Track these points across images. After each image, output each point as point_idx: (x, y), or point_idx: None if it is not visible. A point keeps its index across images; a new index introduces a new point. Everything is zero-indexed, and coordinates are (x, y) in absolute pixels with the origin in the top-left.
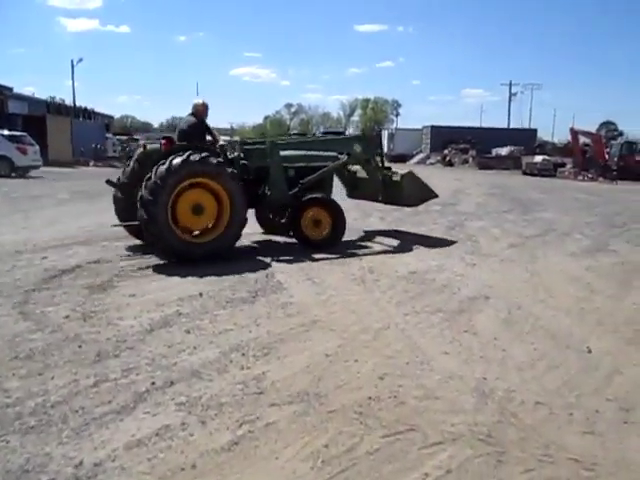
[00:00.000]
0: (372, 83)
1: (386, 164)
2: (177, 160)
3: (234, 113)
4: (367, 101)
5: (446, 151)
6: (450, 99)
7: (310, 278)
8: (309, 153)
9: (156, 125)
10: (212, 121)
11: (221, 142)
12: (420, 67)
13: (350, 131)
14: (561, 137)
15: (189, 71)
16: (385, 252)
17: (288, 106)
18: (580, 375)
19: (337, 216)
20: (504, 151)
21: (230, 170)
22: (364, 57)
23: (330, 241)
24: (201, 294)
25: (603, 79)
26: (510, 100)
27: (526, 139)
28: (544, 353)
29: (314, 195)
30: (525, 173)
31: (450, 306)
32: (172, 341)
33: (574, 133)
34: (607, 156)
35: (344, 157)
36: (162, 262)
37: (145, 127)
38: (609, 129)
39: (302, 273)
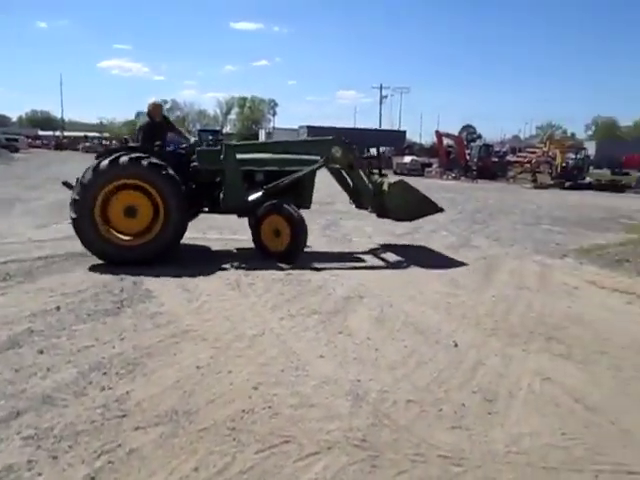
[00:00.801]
0: (248, 81)
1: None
2: (105, 161)
3: (104, 108)
4: (244, 99)
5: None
6: (325, 100)
7: (182, 285)
8: (282, 157)
9: (15, 119)
10: (79, 116)
11: (192, 140)
12: (296, 67)
13: (227, 129)
14: (427, 138)
15: (52, 61)
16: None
17: (162, 102)
18: (448, 369)
19: (296, 227)
20: (373, 151)
21: (165, 172)
22: (240, 55)
23: (288, 255)
24: (59, 307)
25: (464, 83)
26: (381, 102)
27: (396, 140)
28: (414, 350)
29: (271, 202)
30: (396, 173)
31: (325, 307)
32: (21, 364)
33: (439, 135)
34: (468, 157)
35: (321, 162)
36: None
37: (2, 121)
38: (469, 132)
39: (174, 279)
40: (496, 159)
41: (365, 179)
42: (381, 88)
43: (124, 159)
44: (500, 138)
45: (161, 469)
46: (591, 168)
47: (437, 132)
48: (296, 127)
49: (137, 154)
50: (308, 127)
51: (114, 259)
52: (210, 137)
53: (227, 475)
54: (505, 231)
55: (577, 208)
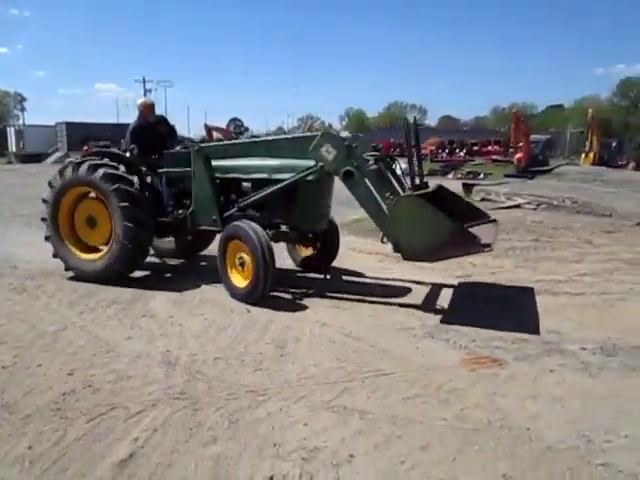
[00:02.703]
0: None
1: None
2: (68, 167)
3: None
4: None
5: (86, 147)
6: (82, 93)
7: None
8: (271, 163)
9: None
10: None
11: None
12: (44, 56)
13: None
14: (197, 132)
15: None
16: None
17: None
18: (244, 330)
19: (258, 258)
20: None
21: (123, 188)
22: None
23: (249, 294)
24: None
25: (228, 78)
26: (145, 96)
27: None
28: (214, 320)
29: (235, 223)
30: None
31: (124, 297)
32: None
33: (208, 129)
34: None
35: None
36: None
37: None
38: (236, 124)
39: None
40: None
41: (375, 193)
42: (144, 82)
43: (85, 165)
44: (265, 130)
45: None
46: None
47: (206, 125)
48: (52, 124)
49: (97, 161)
50: (67, 124)
51: (81, 274)
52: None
53: (63, 444)
54: None
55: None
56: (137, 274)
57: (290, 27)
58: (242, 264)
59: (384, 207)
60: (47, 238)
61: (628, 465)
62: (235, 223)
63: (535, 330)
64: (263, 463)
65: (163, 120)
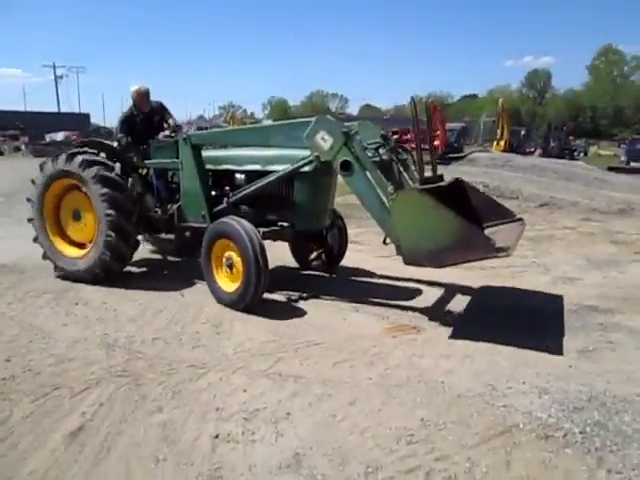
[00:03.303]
0: None
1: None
2: (47, 162)
3: None
4: None
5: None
6: None
7: None
8: (265, 153)
9: None
10: None
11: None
12: None
13: None
14: (113, 121)
15: None
16: None
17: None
18: (180, 312)
19: (250, 259)
20: (59, 136)
21: (101, 173)
22: None
23: (238, 300)
24: None
25: (145, 65)
26: (57, 83)
27: (80, 123)
28: (150, 304)
29: (222, 220)
30: None
31: (55, 287)
32: None
33: None
34: None
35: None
36: None
37: None
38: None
39: None
40: None
41: (377, 188)
42: (54, 67)
43: (63, 155)
44: (186, 118)
45: None
46: None
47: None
48: None
49: (77, 150)
50: None
51: (68, 274)
52: None
53: (10, 423)
54: None
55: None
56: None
57: (211, 7)
58: (230, 266)
59: (386, 204)
60: (35, 239)
61: (524, 405)
62: (223, 219)
63: (449, 299)
64: (207, 425)
65: (160, 108)
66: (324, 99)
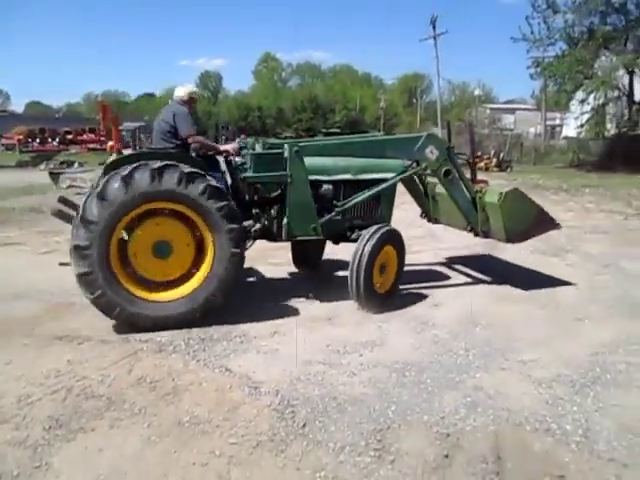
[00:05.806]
0: None
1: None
2: (115, 183)
3: None
4: None
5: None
6: None
7: None
8: (358, 162)
9: None
10: None
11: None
12: None
13: None
14: None
15: None
16: None
17: None
18: None
19: (401, 256)
20: None
21: (213, 187)
22: None
23: (388, 296)
24: None
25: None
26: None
27: None
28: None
29: (378, 226)
30: None
31: None
32: None
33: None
34: None
35: (412, 167)
36: None
37: None
38: None
39: None
40: None
41: (466, 192)
42: None
43: (143, 174)
44: None
45: None
46: None
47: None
48: None
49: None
50: None
51: (135, 324)
52: None
53: None
54: None
55: None
56: None
57: None
58: (382, 270)
59: (469, 197)
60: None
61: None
62: (387, 228)
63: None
64: None
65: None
66: None
